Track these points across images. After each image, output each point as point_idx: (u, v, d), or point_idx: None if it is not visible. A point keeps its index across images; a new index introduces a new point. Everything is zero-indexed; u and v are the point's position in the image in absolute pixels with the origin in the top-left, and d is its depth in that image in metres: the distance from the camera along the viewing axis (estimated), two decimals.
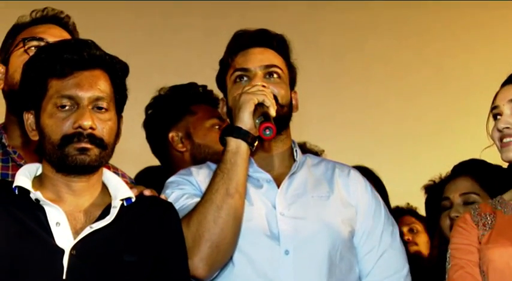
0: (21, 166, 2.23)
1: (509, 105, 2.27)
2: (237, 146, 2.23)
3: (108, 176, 2.13)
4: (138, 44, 4.39)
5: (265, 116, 2.20)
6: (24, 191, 2.02)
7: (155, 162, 3.15)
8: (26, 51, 2.43)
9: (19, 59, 2.41)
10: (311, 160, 2.49)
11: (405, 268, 2.40)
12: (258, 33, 2.43)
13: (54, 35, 2.46)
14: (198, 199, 2.24)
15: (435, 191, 2.90)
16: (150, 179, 2.89)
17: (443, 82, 4.57)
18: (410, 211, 3.79)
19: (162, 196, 2.28)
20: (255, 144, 2.26)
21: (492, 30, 4.61)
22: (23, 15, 2.54)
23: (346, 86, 4.62)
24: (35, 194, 2.00)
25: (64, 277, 1.92)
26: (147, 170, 3.34)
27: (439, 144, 4.40)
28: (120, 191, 2.08)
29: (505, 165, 2.45)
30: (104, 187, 2.11)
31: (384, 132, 4.51)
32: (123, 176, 2.51)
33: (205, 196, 2.21)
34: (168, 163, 3.02)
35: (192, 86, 3.10)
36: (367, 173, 2.93)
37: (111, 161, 2.25)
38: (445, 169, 2.87)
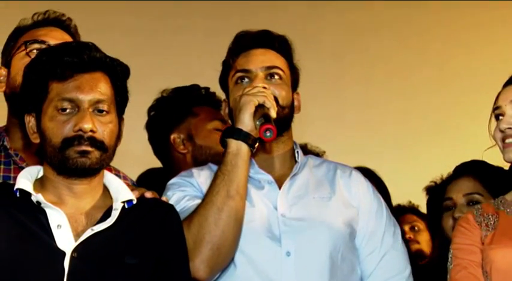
0: (22, 168, 2.24)
1: (511, 105, 2.26)
2: (238, 148, 2.23)
3: (109, 178, 2.13)
4: (139, 46, 4.38)
5: (266, 118, 2.19)
6: (26, 194, 2.01)
7: (157, 164, 3.15)
8: (27, 54, 2.43)
9: (21, 61, 2.41)
10: (313, 161, 2.49)
11: (407, 269, 2.39)
12: (260, 35, 2.43)
13: (56, 37, 2.46)
14: (199, 201, 2.24)
15: (437, 192, 2.89)
16: (152, 180, 2.89)
17: (444, 82, 4.56)
18: (412, 209, 3.77)
19: (163, 198, 2.28)
20: (256, 146, 2.25)
21: (493, 31, 4.60)
22: (25, 18, 2.54)
23: (347, 86, 4.61)
24: (36, 197, 2.00)
25: (65, 280, 1.92)
26: (149, 172, 3.34)
27: (440, 144, 4.39)
28: (122, 194, 2.08)
29: (506, 166, 2.45)
30: (105, 189, 2.11)
31: (385, 133, 4.49)
32: (124, 178, 2.50)
33: (206, 198, 2.21)
34: (170, 165, 3.02)
35: (195, 88, 3.10)
36: (368, 174, 2.93)
37: (113, 163, 2.24)
38: (447, 170, 2.87)
